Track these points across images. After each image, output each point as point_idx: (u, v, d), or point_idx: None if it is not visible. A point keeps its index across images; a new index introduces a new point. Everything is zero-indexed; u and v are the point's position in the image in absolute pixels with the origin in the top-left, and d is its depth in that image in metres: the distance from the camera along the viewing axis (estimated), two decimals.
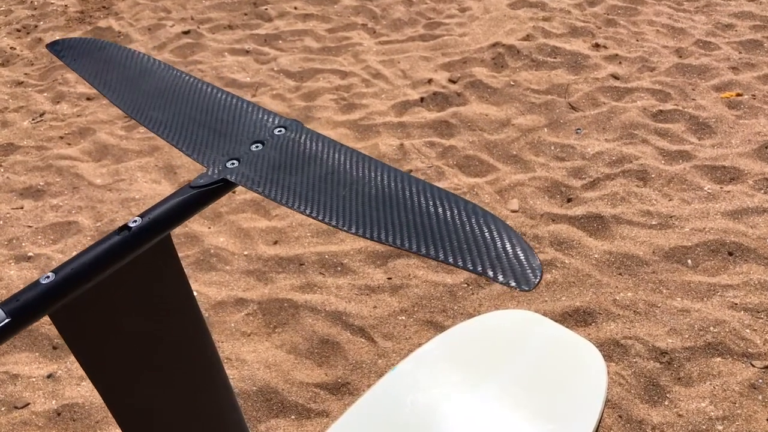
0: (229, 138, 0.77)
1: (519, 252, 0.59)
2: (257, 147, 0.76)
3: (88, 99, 3.02)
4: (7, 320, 0.59)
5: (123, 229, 0.66)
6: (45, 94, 3.08)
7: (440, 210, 0.63)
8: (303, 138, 0.76)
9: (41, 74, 3.26)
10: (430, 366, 1.64)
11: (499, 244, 0.59)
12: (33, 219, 2.35)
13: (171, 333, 0.75)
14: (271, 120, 0.80)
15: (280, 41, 3.37)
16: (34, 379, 1.78)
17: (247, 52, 3.29)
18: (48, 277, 0.62)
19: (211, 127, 0.79)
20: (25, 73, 3.27)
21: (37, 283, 0.62)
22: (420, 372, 1.64)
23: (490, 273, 0.57)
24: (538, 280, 0.57)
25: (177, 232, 2.23)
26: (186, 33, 3.46)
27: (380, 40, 3.31)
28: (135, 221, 0.67)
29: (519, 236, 0.61)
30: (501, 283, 0.57)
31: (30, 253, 2.19)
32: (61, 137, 2.77)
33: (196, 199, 0.70)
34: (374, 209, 0.64)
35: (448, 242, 0.59)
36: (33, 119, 2.91)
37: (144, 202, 2.36)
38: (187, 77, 0.86)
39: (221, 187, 0.72)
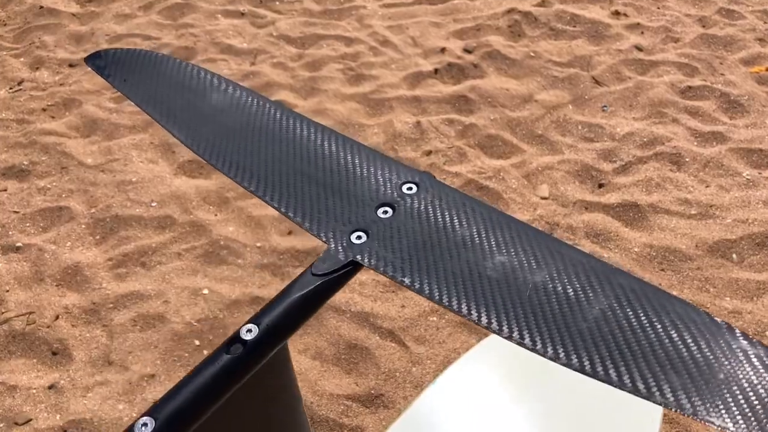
0: (348, 199, 0.58)
1: None
2: (386, 213, 0.57)
3: (71, 66, 2.77)
4: None
5: (233, 343, 0.49)
6: (22, 59, 2.82)
7: (690, 342, 0.45)
8: (443, 201, 0.57)
9: (16, 36, 2.98)
10: (472, 380, 1.52)
11: None
12: (19, 203, 2.14)
13: None
14: (395, 174, 0.61)
15: (278, 2, 3.13)
16: (34, 391, 1.62)
17: (243, 14, 3.05)
18: (145, 425, 0.46)
19: (320, 182, 0.59)
20: None
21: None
22: (462, 386, 1.51)
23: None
24: None
25: (181, 221, 2.05)
26: None
27: (385, 3, 3.09)
28: (249, 331, 0.50)
29: None
30: None
31: (18, 243, 2.00)
32: (44, 109, 2.54)
33: (321, 290, 0.53)
34: (582, 324, 0.46)
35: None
36: (11, 88, 2.66)
37: (141, 186, 2.17)
38: (274, 109, 0.66)
39: (350, 271, 0.55)
